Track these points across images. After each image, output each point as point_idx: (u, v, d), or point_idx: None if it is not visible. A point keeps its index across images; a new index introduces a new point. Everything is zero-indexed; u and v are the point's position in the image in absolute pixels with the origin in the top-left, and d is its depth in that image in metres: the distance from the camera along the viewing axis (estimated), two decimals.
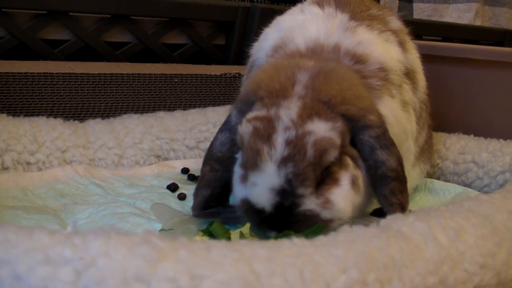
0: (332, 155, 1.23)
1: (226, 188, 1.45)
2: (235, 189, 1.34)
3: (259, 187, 1.23)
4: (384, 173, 1.31)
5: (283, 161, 1.21)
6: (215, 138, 1.47)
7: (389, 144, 1.32)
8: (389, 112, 1.42)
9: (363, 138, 1.31)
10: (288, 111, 1.25)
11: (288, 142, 1.22)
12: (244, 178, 1.29)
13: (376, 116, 1.32)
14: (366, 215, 1.43)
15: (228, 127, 1.44)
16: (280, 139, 1.23)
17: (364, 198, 1.34)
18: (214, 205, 1.47)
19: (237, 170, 1.34)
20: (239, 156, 1.36)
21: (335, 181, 1.26)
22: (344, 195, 1.26)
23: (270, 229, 1.25)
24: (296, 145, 1.21)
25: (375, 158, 1.31)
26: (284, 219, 1.23)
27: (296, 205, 1.22)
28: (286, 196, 1.22)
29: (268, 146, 1.23)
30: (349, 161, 1.30)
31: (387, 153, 1.31)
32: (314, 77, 1.31)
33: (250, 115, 1.29)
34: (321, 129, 1.24)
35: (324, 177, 1.25)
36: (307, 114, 1.25)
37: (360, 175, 1.31)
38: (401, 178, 1.35)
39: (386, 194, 1.33)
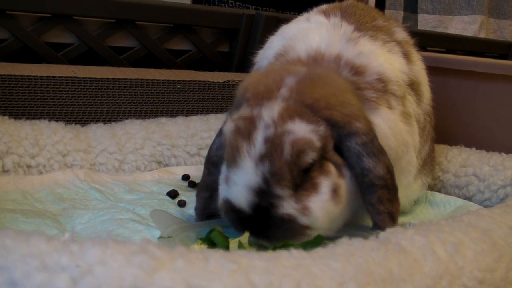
0: (310, 156, 1.22)
1: None
2: (219, 189, 1.34)
3: (237, 186, 1.24)
4: (371, 181, 1.29)
5: (261, 159, 1.21)
6: (213, 142, 1.48)
7: (377, 152, 1.30)
8: (385, 124, 1.41)
9: (350, 145, 1.29)
10: (270, 111, 1.25)
11: (266, 140, 1.22)
12: (227, 178, 1.28)
13: (363, 124, 1.30)
14: (366, 227, 1.42)
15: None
16: (259, 136, 1.23)
17: (348, 208, 1.32)
18: (214, 207, 1.43)
19: (223, 170, 1.34)
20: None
21: (314, 187, 1.25)
22: (322, 204, 1.25)
23: (246, 231, 1.24)
24: (273, 143, 1.21)
25: (361, 166, 1.29)
26: (262, 221, 1.22)
27: (273, 207, 1.21)
28: (264, 196, 1.21)
29: (248, 143, 1.23)
30: (331, 168, 1.28)
31: (374, 160, 1.29)
32: (300, 80, 1.30)
33: (235, 115, 1.30)
34: (301, 129, 1.23)
35: (303, 182, 1.24)
36: (288, 114, 1.24)
37: (343, 184, 1.29)
38: (390, 187, 1.32)
39: (374, 202, 1.30)
